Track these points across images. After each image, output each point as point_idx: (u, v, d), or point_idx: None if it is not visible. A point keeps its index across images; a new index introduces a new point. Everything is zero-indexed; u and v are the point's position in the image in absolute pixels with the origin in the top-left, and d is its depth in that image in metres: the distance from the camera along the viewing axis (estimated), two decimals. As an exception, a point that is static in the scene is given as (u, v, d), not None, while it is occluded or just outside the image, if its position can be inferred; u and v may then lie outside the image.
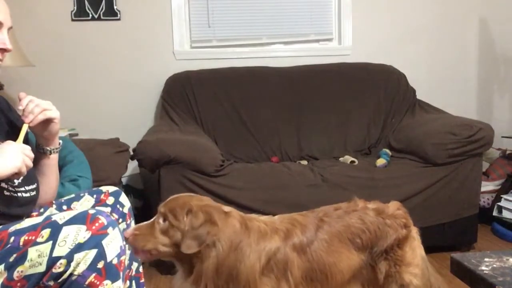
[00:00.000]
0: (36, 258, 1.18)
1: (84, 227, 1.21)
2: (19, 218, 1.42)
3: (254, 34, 3.60)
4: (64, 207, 1.62)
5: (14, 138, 1.43)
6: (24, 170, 1.34)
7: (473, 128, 2.68)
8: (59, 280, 1.19)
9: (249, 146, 3.20)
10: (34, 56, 3.13)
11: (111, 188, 1.68)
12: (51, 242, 1.18)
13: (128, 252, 1.59)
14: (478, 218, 2.83)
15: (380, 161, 2.81)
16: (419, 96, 3.43)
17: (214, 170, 2.59)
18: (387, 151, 2.98)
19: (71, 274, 1.18)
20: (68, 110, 2.72)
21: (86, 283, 1.19)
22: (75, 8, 3.35)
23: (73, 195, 1.68)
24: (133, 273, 1.68)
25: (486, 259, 1.19)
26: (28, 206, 1.50)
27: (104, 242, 1.21)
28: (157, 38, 3.46)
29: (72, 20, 3.36)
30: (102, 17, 3.37)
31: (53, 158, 1.60)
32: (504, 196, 3.11)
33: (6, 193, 1.41)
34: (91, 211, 1.26)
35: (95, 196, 1.65)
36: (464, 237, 2.83)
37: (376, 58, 3.52)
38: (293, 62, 3.47)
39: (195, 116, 3.21)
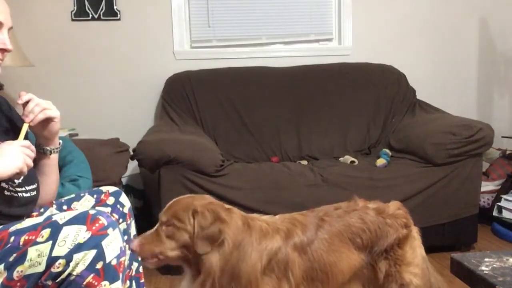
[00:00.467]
0: (36, 258, 1.17)
1: (84, 227, 1.20)
2: (20, 218, 1.42)
3: (254, 34, 3.60)
4: (65, 207, 1.62)
5: (15, 138, 1.43)
6: (25, 169, 1.34)
7: (473, 128, 2.68)
8: (58, 280, 1.19)
9: (249, 146, 3.20)
10: (34, 56, 3.13)
11: (111, 188, 1.67)
12: (51, 242, 1.18)
13: (128, 252, 1.59)
14: (478, 218, 2.83)
15: (380, 161, 2.81)
16: (419, 96, 3.43)
17: (214, 170, 2.59)
18: (387, 151, 2.98)
19: (69, 274, 1.18)
20: (68, 110, 2.72)
21: (84, 283, 1.18)
22: (75, 8, 3.35)
23: (73, 195, 1.67)
24: (133, 273, 1.67)
25: (486, 259, 1.19)
26: (28, 206, 1.50)
27: (103, 243, 1.21)
28: (157, 38, 3.46)
29: (72, 20, 3.36)
30: (102, 17, 3.37)
31: (53, 158, 1.60)
32: (504, 196, 3.11)
33: (6, 193, 1.41)
34: (92, 212, 1.26)
35: (95, 196, 1.64)
36: (464, 237, 2.83)
37: (376, 58, 3.52)
38: (293, 62, 3.47)
39: (195, 116, 3.21)
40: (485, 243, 2.94)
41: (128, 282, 1.62)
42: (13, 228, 1.24)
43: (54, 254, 1.17)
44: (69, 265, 1.17)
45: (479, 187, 2.84)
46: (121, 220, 1.63)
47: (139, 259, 1.57)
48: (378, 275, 1.66)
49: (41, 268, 1.18)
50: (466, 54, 3.76)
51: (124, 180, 3.12)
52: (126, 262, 1.55)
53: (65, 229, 1.20)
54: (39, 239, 1.19)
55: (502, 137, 3.49)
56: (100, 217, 1.24)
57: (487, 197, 3.21)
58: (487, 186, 3.21)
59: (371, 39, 3.64)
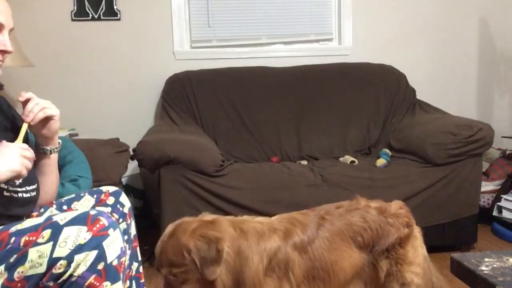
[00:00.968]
0: (37, 259, 1.17)
1: (85, 228, 1.20)
2: (20, 218, 1.42)
3: (254, 34, 3.60)
4: (65, 207, 1.62)
5: (14, 137, 1.43)
6: (25, 172, 1.34)
7: (473, 128, 2.68)
8: (59, 281, 1.19)
9: (249, 146, 3.20)
10: (34, 56, 3.13)
11: (111, 188, 1.67)
12: (51, 242, 1.18)
13: (128, 252, 1.59)
14: (478, 218, 2.83)
15: (380, 161, 2.81)
16: (419, 96, 3.43)
17: (214, 170, 2.59)
18: (387, 151, 2.98)
19: (71, 275, 1.18)
20: (68, 110, 2.73)
21: (86, 284, 1.18)
22: (75, 8, 3.35)
23: (73, 195, 1.67)
24: (133, 273, 1.67)
25: (486, 259, 1.19)
26: (28, 207, 1.50)
27: (104, 244, 1.21)
28: (157, 38, 3.46)
29: (72, 20, 3.36)
30: (102, 17, 3.37)
31: (53, 158, 1.60)
32: (504, 196, 3.11)
33: (6, 193, 1.41)
34: (92, 212, 1.26)
35: (95, 196, 1.64)
36: (464, 237, 2.83)
37: (376, 58, 3.52)
38: (293, 62, 3.47)
39: (195, 116, 3.21)
40: (485, 243, 2.94)
41: (128, 282, 1.62)
42: (13, 229, 1.24)
43: (55, 255, 1.17)
44: (70, 266, 1.17)
45: (479, 187, 2.84)
46: (121, 220, 1.63)
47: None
48: (380, 274, 1.66)
49: (42, 269, 1.17)
50: (466, 54, 3.76)
51: (124, 180, 3.12)
52: (126, 262, 1.55)
53: (66, 230, 1.20)
54: (39, 240, 1.19)
55: (502, 137, 3.49)
56: (101, 218, 1.24)
57: (487, 197, 3.21)
58: (487, 186, 3.21)
59: (371, 39, 3.64)
